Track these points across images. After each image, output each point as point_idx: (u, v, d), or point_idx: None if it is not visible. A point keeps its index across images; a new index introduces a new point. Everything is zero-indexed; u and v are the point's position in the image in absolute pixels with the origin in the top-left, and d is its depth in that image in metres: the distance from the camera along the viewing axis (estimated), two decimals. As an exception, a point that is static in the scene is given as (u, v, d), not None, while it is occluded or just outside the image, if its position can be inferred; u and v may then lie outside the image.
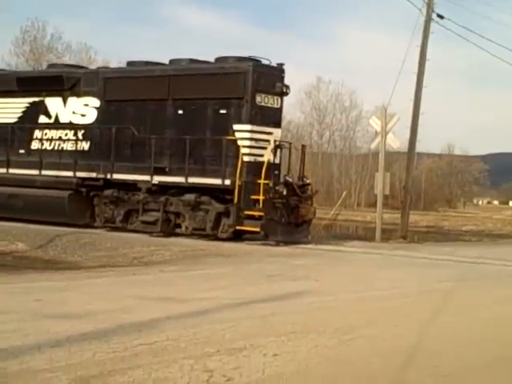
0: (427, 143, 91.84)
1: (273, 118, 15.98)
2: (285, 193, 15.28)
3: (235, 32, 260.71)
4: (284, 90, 16.03)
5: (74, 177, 17.31)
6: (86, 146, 17.53)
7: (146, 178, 16.31)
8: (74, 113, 17.77)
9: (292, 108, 58.38)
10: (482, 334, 6.82)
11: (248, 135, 15.39)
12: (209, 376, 4.64)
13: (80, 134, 17.60)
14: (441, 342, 6.19)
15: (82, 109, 17.62)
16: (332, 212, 20.89)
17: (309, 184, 16.72)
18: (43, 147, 18.06)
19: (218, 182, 15.37)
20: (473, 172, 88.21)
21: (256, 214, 15.08)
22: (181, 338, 5.66)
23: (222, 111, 15.68)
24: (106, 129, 17.13)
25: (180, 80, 16.37)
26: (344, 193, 27.65)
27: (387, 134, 18.18)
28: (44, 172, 17.81)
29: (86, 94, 17.55)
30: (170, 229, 16.22)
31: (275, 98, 15.90)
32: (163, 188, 16.21)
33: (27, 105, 18.52)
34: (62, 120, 17.94)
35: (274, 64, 16.00)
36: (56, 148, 17.92)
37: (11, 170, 18.40)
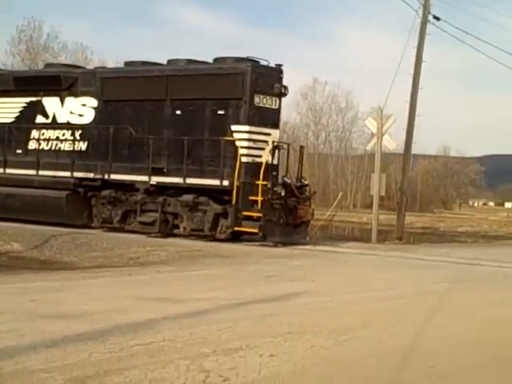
0: (423, 145, 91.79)
1: (271, 118, 15.99)
2: (283, 194, 15.30)
3: (234, 32, 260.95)
4: (282, 91, 16.04)
5: (72, 177, 17.29)
6: (83, 146, 17.52)
7: (144, 178, 16.30)
8: (71, 113, 17.75)
9: (288, 109, 58.45)
10: (477, 335, 6.83)
11: (246, 136, 15.39)
12: (205, 376, 4.64)
13: (77, 134, 17.58)
14: (436, 343, 6.20)
15: (80, 109, 17.61)
16: (328, 213, 20.90)
17: (307, 185, 16.74)
18: (40, 147, 18.04)
19: (216, 182, 15.37)
20: (469, 174, 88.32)
21: (254, 215, 15.09)
22: (177, 339, 5.67)
23: (220, 112, 15.68)
24: (103, 129, 17.12)
25: (178, 80, 16.36)
26: (340, 194, 27.64)
27: (383, 136, 18.22)
28: (41, 172, 17.80)
29: (84, 93, 17.55)
30: (167, 229, 16.22)
31: (273, 98, 15.91)
32: (161, 188, 16.21)
33: (24, 104, 18.50)
34: (60, 120, 17.93)
35: (272, 65, 16.03)
36: (53, 148, 17.91)
37: (8, 170, 18.38)
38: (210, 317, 6.75)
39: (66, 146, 17.74)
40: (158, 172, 16.19)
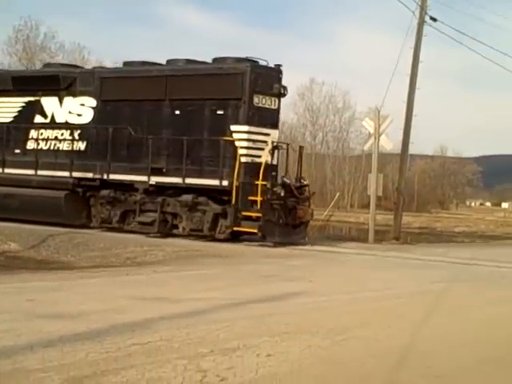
0: (420, 145, 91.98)
1: (270, 119, 16.00)
2: (282, 194, 15.30)
3: (233, 32, 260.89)
4: (281, 91, 16.05)
5: (70, 177, 17.28)
6: (82, 146, 17.51)
7: (143, 178, 16.30)
8: (70, 112, 17.75)
9: (285, 109, 58.46)
10: (474, 334, 6.84)
11: (245, 136, 15.40)
12: (202, 376, 4.65)
13: (76, 133, 17.58)
14: (433, 342, 6.21)
15: (78, 108, 17.60)
16: (325, 213, 20.92)
17: (306, 185, 16.72)
18: (39, 147, 18.03)
19: (215, 182, 15.37)
20: (466, 174, 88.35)
21: (253, 215, 15.09)
22: (174, 339, 5.67)
23: (220, 112, 15.69)
24: (102, 129, 17.11)
25: (177, 80, 16.37)
26: (337, 194, 27.68)
27: (380, 136, 18.23)
28: (40, 172, 17.79)
29: (82, 93, 17.54)
30: (167, 229, 16.21)
31: (273, 99, 15.92)
32: (160, 188, 16.20)
33: (23, 104, 18.49)
34: (58, 120, 17.92)
35: (271, 65, 16.04)
36: (52, 148, 17.90)
37: (7, 170, 18.37)
38: (208, 316, 6.75)
39: (65, 146, 17.73)
40: (157, 172, 16.19)
